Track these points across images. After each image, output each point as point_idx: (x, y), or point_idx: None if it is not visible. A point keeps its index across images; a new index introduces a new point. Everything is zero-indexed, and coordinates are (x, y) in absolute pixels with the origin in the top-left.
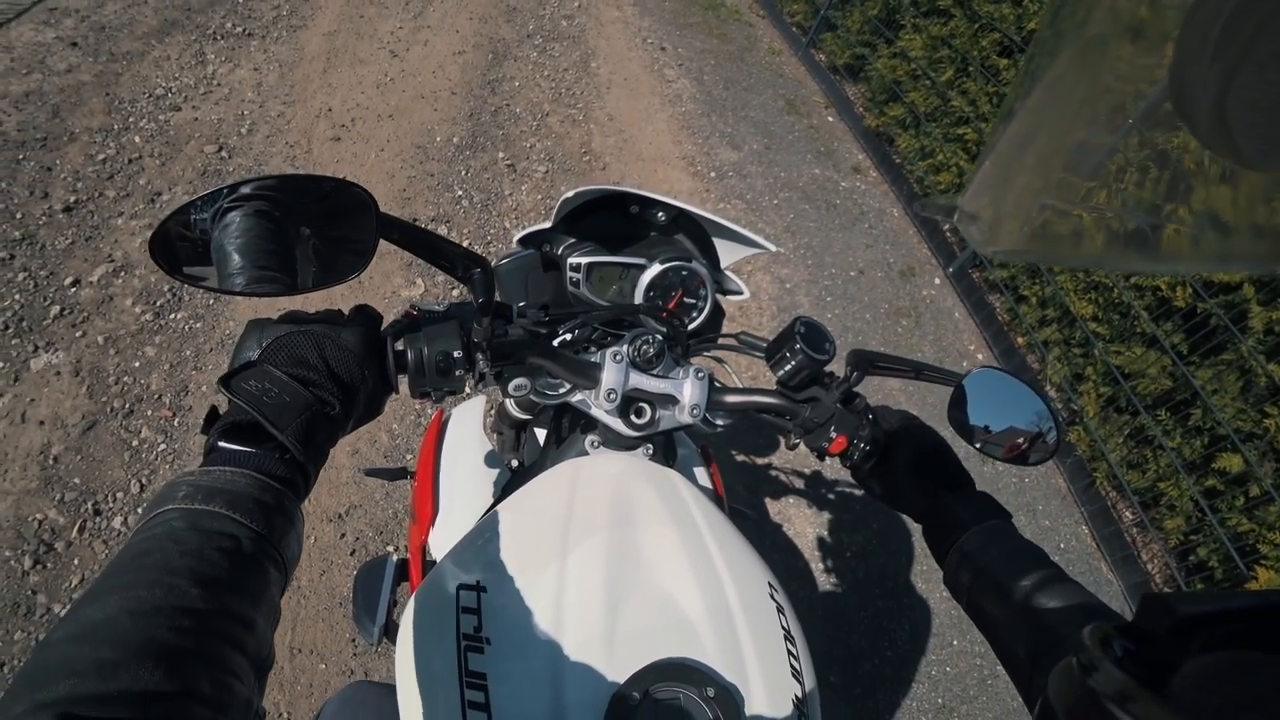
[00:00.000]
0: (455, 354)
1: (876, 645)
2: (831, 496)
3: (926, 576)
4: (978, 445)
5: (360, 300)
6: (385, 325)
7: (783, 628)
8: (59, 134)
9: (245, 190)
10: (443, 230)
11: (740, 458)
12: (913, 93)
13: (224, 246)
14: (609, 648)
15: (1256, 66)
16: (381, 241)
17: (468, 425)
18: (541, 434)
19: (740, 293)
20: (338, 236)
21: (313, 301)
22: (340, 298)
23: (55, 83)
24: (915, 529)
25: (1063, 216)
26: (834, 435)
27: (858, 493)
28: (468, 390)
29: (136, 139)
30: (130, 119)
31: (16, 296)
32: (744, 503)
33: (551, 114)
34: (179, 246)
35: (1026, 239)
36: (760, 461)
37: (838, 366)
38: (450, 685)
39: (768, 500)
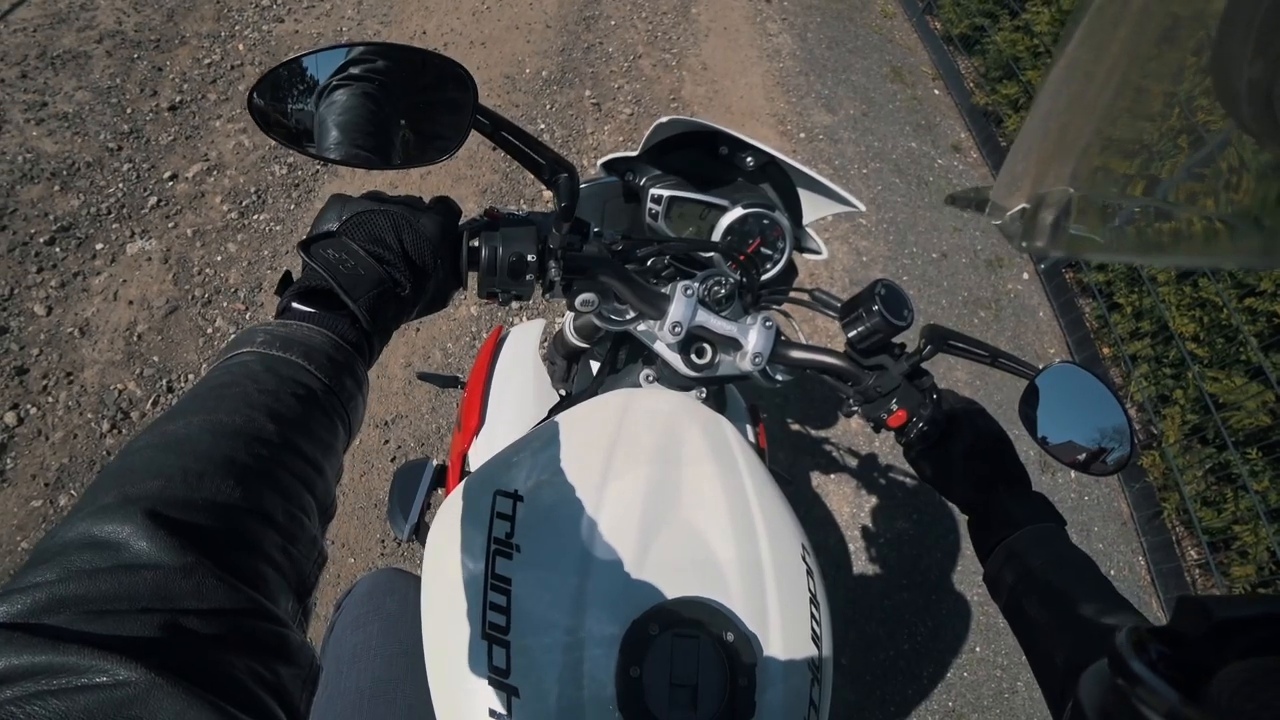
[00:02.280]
0: (529, 257)
1: (895, 637)
2: (877, 480)
3: (960, 578)
4: (1045, 445)
5: (439, 195)
6: (464, 221)
7: (810, 591)
8: (171, 37)
9: (355, 71)
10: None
11: (794, 426)
12: (1031, 71)
13: (326, 121)
14: (636, 576)
15: None
16: (462, 159)
17: (523, 346)
18: (594, 368)
19: (819, 253)
20: (432, 118)
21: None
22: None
23: None
24: (956, 527)
25: (1098, 208)
26: (894, 408)
27: (903, 481)
28: (535, 297)
29: (240, 46)
30: (236, 27)
31: (120, 185)
32: (785, 470)
33: (644, 56)
34: (277, 105)
35: (1059, 232)
36: (810, 433)
37: (911, 340)
38: (475, 584)
39: (811, 473)
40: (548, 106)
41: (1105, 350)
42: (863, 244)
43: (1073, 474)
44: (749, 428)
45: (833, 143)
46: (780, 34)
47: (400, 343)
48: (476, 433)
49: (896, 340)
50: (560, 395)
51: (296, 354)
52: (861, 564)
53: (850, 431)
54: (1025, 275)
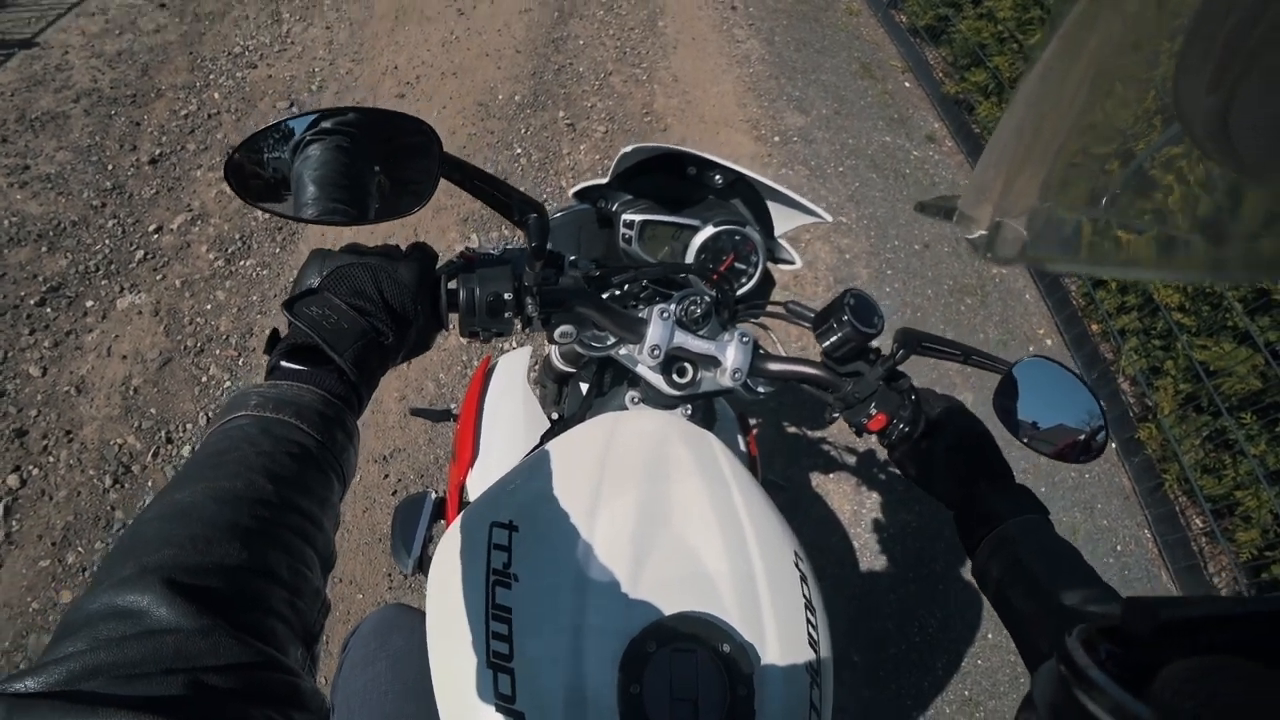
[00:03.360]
0: (506, 296)
1: (905, 630)
2: (877, 476)
3: (967, 567)
4: (1022, 438)
5: (415, 241)
6: (440, 264)
7: (804, 596)
8: (147, 91)
9: (326, 125)
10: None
11: (789, 430)
12: (998, 57)
13: (302, 177)
14: (631, 596)
15: (1259, 79)
16: (442, 190)
17: (512, 374)
18: (584, 389)
19: (792, 262)
20: (403, 172)
21: (372, 238)
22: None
23: (145, 42)
24: None
25: (1064, 221)
26: (874, 412)
27: (901, 476)
28: (515, 333)
29: (216, 95)
30: (211, 76)
31: (106, 242)
32: (780, 476)
33: (615, 73)
34: (254, 171)
35: (1025, 243)
36: (806, 434)
37: (887, 344)
38: (477, 615)
39: (810, 474)
40: (523, 130)
41: (1094, 327)
42: (844, 242)
43: None
44: (740, 438)
45: (807, 143)
46: (748, 40)
47: (394, 377)
48: (472, 464)
49: (873, 344)
50: (552, 420)
51: (289, 414)
52: (867, 560)
53: (845, 431)
54: None
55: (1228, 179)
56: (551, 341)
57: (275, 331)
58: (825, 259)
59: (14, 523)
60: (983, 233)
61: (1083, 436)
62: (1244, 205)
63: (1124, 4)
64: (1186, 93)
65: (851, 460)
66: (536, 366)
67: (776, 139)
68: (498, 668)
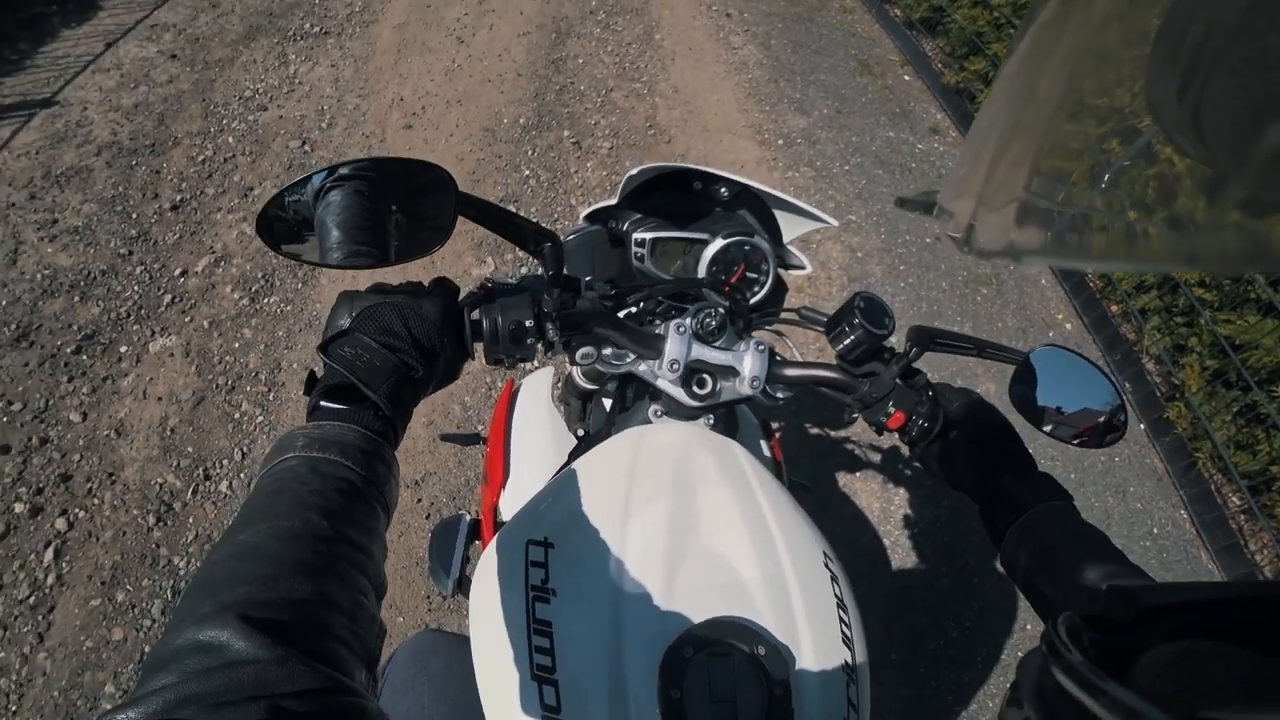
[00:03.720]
0: (527, 323)
1: (942, 624)
2: (903, 472)
3: (998, 557)
4: (1042, 426)
5: (437, 276)
6: (462, 296)
7: (835, 596)
8: (164, 140)
9: (344, 171)
10: (511, 209)
11: (814, 430)
12: (996, 44)
13: (326, 222)
14: (666, 604)
15: (1229, 72)
16: (458, 220)
17: (537, 395)
18: (608, 404)
19: (802, 268)
20: (421, 213)
21: (396, 275)
22: (419, 274)
23: (159, 93)
24: None
25: (1042, 214)
26: (892, 410)
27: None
28: (538, 358)
29: (230, 139)
30: (224, 121)
31: (135, 288)
32: (806, 477)
33: (616, 89)
34: (281, 224)
35: (1005, 236)
36: (829, 435)
37: (901, 343)
38: (519, 631)
39: (836, 473)
40: (529, 152)
41: (1114, 308)
42: (855, 240)
43: None
44: (763, 443)
45: (811, 144)
46: (744, 46)
47: (421, 403)
48: (504, 485)
49: (888, 344)
50: (578, 436)
51: (333, 452)
52: (898, 557)
53: (868, 429)
54: None
55: (1200, 171)
56: (573, 363)
57: (312, 373)
58: (838, 259)
59: (64, 565)
60: (964, 226)
61: (1102, 421)
62: (1215, 196)
63: (1095, 3)
64: (1158, 87)
65: (877, 458)
66: (560, 385)
67: (780, 142)
68: (542, 680)
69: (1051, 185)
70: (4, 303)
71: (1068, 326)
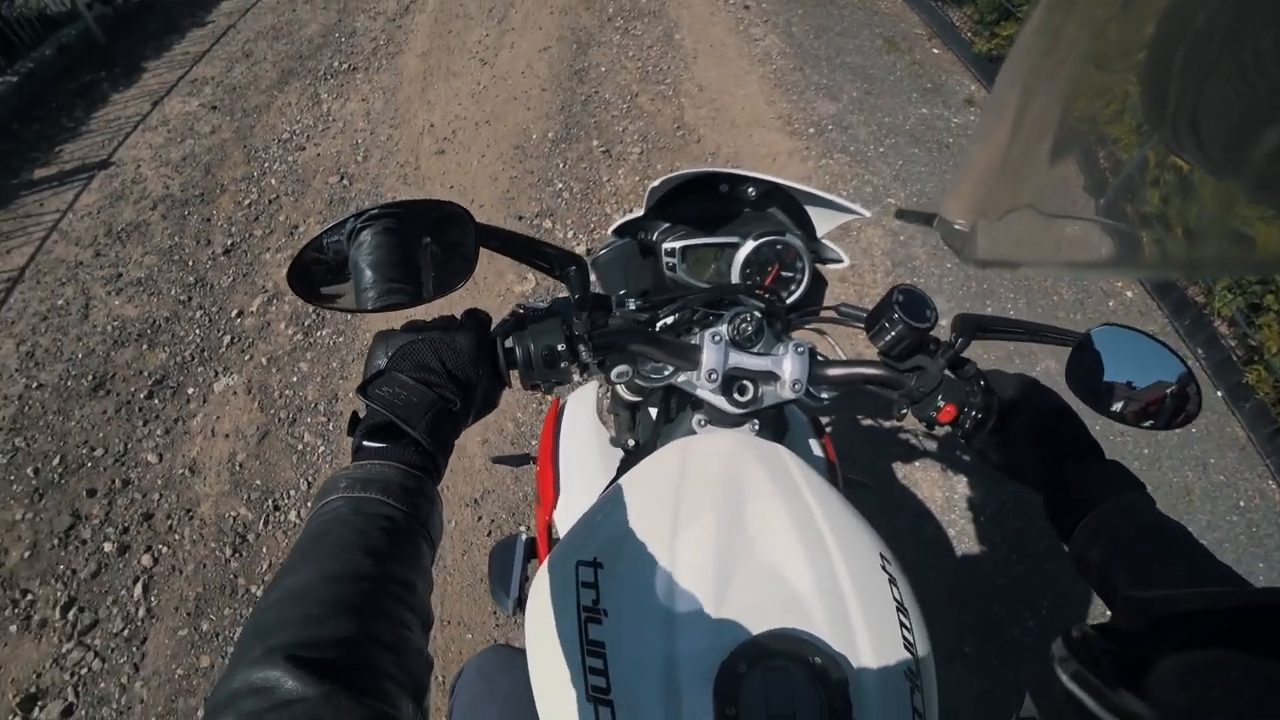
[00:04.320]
0: (559, 347)
1: (1017, 614)
2: (962, 459)
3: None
4: (1105, 411)
5: (477, 298)
6: (495, 325)
7: (895, 599)
8: (212, 188)
9: (372, 213)
10: (547, 224)
11: (867, 422)
12: (1026, 5)
13: (359, 263)
14: (718, 620)
15: (1225, 79)
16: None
17: (583, 410)
18: (654, 414)
19: (840, 261)
20: (447, 249)
21: (431, 309)
22: (458, 300)
23: (204, 144)
24: None
25: (1043, 224)
26: (942, 404)
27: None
28: (575, 380)
29: (273, 181)
30: (265, 164)
31: (197, 331)
32: (863, 471)
33: (640, 94)
34: (314, 273)
35: (1007, 247)
36: (884, 426)
37: (945, 332)
38: (573, 652)
39: (894, 465)
40: (560, 165)
41: (1183, 236)
42: (896, 224)
43: None
44: (814, 441)
45: (843, 130)
46: (766, 37)
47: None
48: (555, 502)
49: (932, 335)
50: (626, 448)
51: (375, 491)
52: (965, 546)
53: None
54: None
55: (1202, 178)
56: (609, 382)
57: (355, 414)
58: (880, 244)
59: (152, 598)
60: (963, 236)
61: (1172, 399)
62: (1215, 203)
63: (1093, 11)
64: (1154, 95)
65: (934, 446)
66: (606, 397)
67: (811, 131)
68: (597, 701)
69: (1052, 194)
70: (80, 356)
71: (1128, 294)
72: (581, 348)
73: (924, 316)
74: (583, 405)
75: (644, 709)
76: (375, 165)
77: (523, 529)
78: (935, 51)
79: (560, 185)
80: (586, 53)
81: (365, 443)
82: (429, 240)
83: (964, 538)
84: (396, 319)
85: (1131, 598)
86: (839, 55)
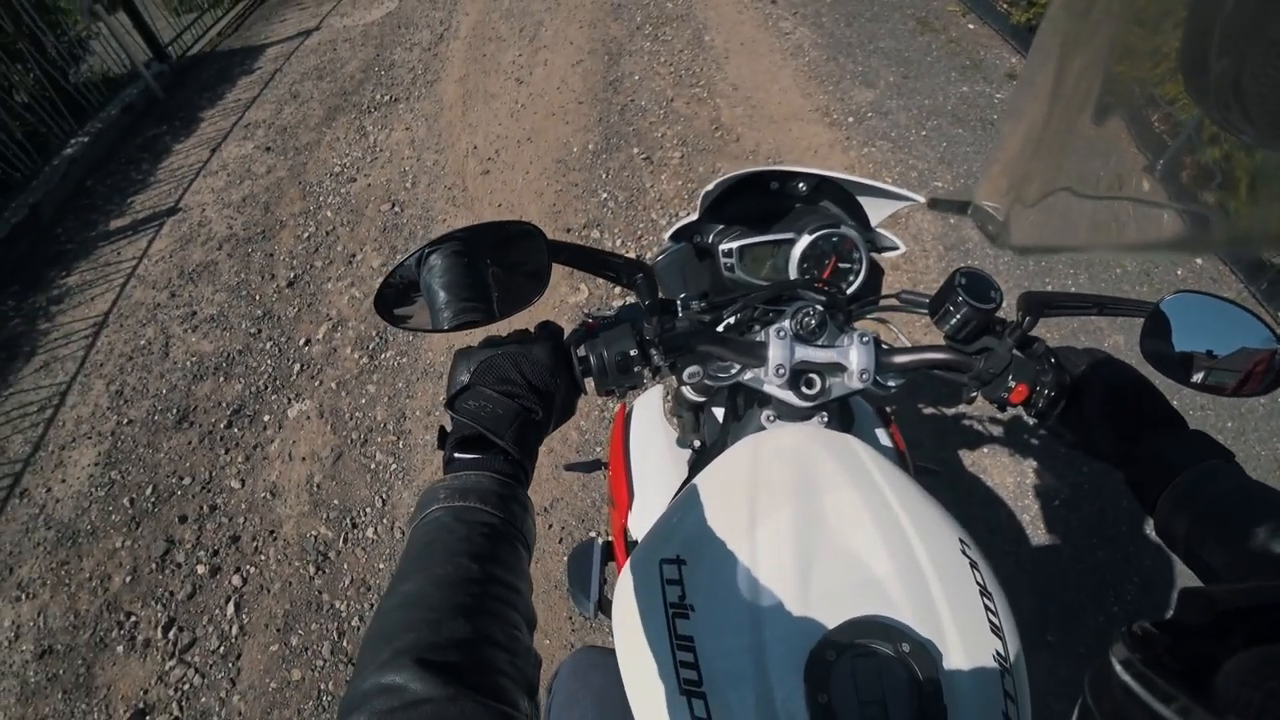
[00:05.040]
0: (631, 352)
1: (1100, 600)
2: (1030, 441)
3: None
4: (1186, 381)
5: (537, 311)
6: (567, 335)
7: (978, 584)
8: (272, 225)
9: (442, 240)
10: (595, 234)
11: (928, 410)
12: None
13: (431, 286)
14: (803, 609)
15: (1267, 46)
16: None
17: (649, 414)
18: (719, 413)
19: (896, 248)
20: (517, 267)
21: (505, 325)
22: (522, 316)
23: (261, 184)
24: None
25: (1082, 206)
26: (1013, 384)
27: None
28: (646, 383)
29: (328, 214)
30: (320, 198)
31: (269, 362)
32: (930, 459)
33: (676, 98)
34: (393, 298)
35: (1044, 231)
36: (946, 412)
37: (1011, 312)
38: (663, 648)
39: (962, 452)
40: (604, 176)
41: (1229, 212)
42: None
43: None
44: (881, 431)
45: (882, 116)
46: (796, 30)
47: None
48: (630, 506)
49: (998, 316)
50: (694, 449)
51: (472, 500)
52: (1041, 532)
53: (986, 403)
54: (1145, 185)
55: (1246, 151)
56: (682, 383)
57: (442, 428)
58: (930, 229)
59: (244, 616)
60: (999, 223)
61: (1261, 364)
62: (1265, 175)
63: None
64: (1195, 68)
65: (1000, 430)
66: (669, 400)
67: (850, 120)
68: (690, 694)
69: (1091, 174)
70: (164, 391)
71: (1198, 261)
72: (653, 351)
73: (989, 297)
74: (650, 409)
75: (736, 699)
76: (424, 190)
77: (594, 534)
78: (971, 27)
79: (605, 195)
80: (619, 62)
81: (457, 455)
82: (498, 260)
83: (1039, 523)
84: (474, 337)
85: (1191, 591)
86: (872, 41)
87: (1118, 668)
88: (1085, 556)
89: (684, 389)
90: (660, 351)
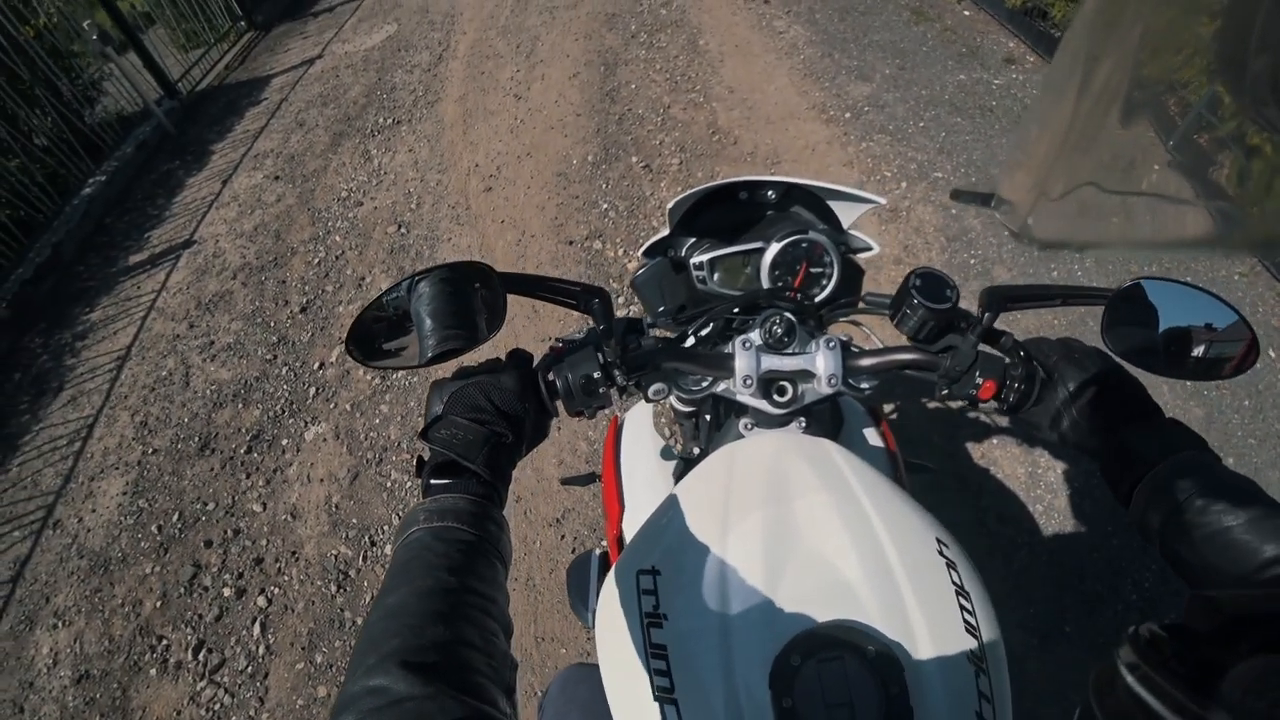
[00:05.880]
0: (594, 375)
1: (1119, 589)
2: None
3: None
4: (1150, 365)
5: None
6: (537, 361)
7: (954, 583)
8: (284, 252)
9: (419, 276)
10: (597, 245)
11: (932, 405)
12: None
13: (420, 313)
14: (771, 615)
15: None
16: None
17: (640, 426)
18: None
19: (869, 249)
20: (477, 300)
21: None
22: (503, 341)
23: (272, 212)
24: None
25: (1107, 201)
26: (980, 381)
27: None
28: (615, 403)
29: (337, 238)
30: (329, 224)
31: (285, 387)
32: (939, 453)
33: (672, 104)
34: (374, 333)
35: (1069, 224)
36: (954, 407)
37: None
38: (640, 656)
39: (969, 444)
40: (604, 186)
41: (1254, 211)
42: (946, 199)
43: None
44: (871, 431)
45: (880, 109)
46: (789, 28)
47: (550, 446)
48: (622, 516)
49: (965, 312)
50: (690, 456)
51: (449, 520)
52: (1055, 523)
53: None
54: (1155, 166)
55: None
56: (647, 400)
57: (419, 458)
58: (932, 220)
59: (270, 636)
60: (1022, 217)
61: (1224, 348)
62: None
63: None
64: (1232, 62)
65: (1007, 421)
66: (666, 409)
67: (848, 115)
68: (663, 700)
69: (1117, 169)
70: (186, 420)
71: (1130, 280)
72: (616, 372)
73: (943, 297)
74: (640, 420)
75: (707, 705)
76: (428, 210)
77: (595, 549)
78: (966, 14)
79: (606, 206)
80: (615, 72)
81: (432, 480)
82: (467, 294)
83: (1053, 513)
84: (450, 370)
85: (1200, 596)
86: (866, 34)
87: (1124, 671)
88: (1101, 545)
89: (673, 400)
90: (623, 372)
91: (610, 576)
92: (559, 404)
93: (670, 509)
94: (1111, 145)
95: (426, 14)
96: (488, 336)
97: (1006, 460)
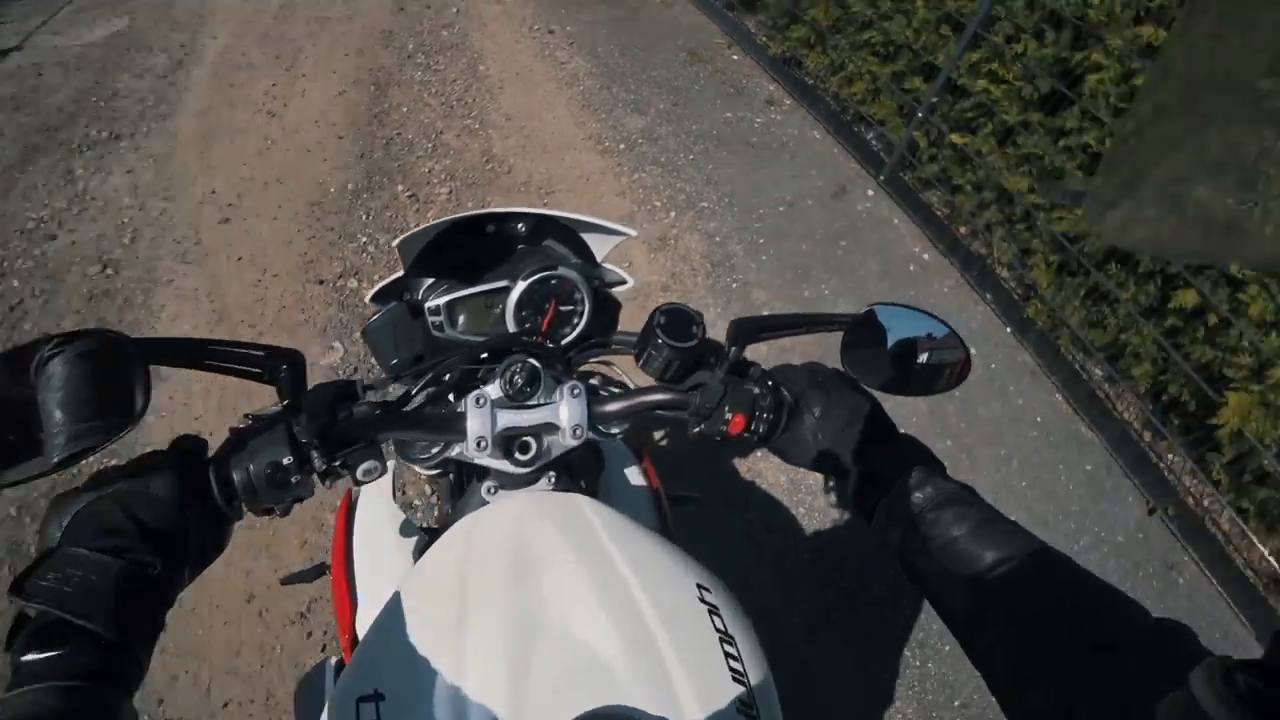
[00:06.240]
0: (285, 460)
1: (868, 585)
2: None
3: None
4: (883, 385)
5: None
6: (215, 450)
7: (716, 630)
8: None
9: (54, 344)
10: (353, 283)
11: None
12: (812, 9)
13: (48, 401)
14: (520, 718)
15: None
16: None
17: (377, 501)
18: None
19: (624, 282)
20: (118, 377)
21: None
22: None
23: None
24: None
25: (1194, 211)
26: (729, 415)
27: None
28: (317, 491)
29: (15, 283)
30: (4, 263)
31: None
32: (706, 475)
33: (445, 131)
34: None
35: (1153, 232)
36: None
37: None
38: None
39: (736, 460)
40: (364, 217)
41: (962, 230)
42: (711, 225)
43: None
44: (633, 470)
45: (653, 142)
46: (572, 59)
47: (288, 522)
48: (354, 616)
49: (711, 347)
50: (423, 528)
51: None
52: (815, 523)
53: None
54: (870, 192)
55: None
56: (357, 482)
57: (17, 619)
58: (698, 248)
59: None
60: (1120, 219)
61: (942, 363)
62: None
63: None
64: None
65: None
66: (403, 484)
67: (622, 147)
68: None
69: (1226, 178)
70: None
71: (925, 257)
72: (314, 454)
73: (689, 334)
74: (377, 494)
75: None
76: (146, 246)
77: (329, 657)
78: (735, 58)
79: (364, 239)
80: (386, 94)
81: (25, 658)
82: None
83: (814, 514)
84: (82, 477)
85: None
86: (645, 70)
87: (1202, 705)
88: (858, 543)
89: (415, 466)
90: (322, 453)
91: (325, 711)
92: (240, 504)
93: (393, 614)
94: (1207, 159)
95: (169, 10)
96: (130, 425)
97: (770, 470)
